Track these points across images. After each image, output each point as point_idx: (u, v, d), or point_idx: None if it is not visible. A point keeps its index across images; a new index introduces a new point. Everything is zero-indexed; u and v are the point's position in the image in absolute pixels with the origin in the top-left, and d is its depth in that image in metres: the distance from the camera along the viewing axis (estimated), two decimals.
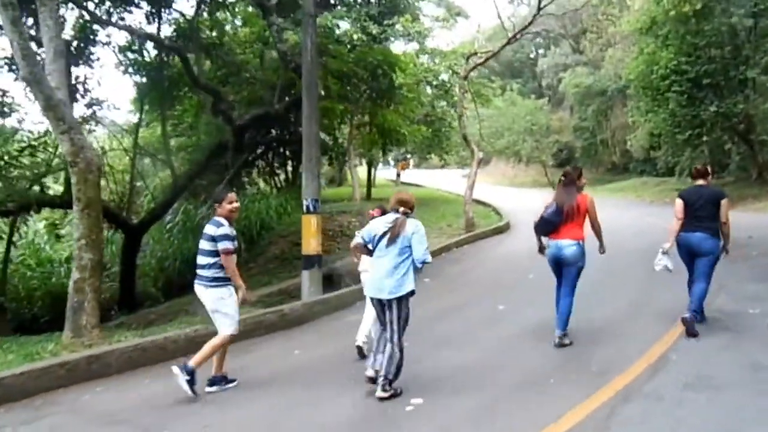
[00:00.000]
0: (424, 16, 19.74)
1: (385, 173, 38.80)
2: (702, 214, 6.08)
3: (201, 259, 5.03)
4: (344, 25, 16.12)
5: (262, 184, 22.43)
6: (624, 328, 6.58)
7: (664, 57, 22.25)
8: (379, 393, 4.69)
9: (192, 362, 4.92)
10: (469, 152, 17.58)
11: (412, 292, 4.83)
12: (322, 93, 13.02)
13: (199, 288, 5.07)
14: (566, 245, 5.81)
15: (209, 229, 5.00)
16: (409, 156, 35.91)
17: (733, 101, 20.97)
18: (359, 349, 5.82)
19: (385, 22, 17.39)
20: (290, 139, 16.70)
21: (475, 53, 17.34)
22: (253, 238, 15.56)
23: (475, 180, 16.58)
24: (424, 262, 4.80)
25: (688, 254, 6.27)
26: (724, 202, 6.11)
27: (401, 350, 4.77)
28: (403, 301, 4.80)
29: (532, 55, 43.79)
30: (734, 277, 8.41)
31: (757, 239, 11.71)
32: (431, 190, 29.29)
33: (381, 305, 4.88)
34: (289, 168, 21.57)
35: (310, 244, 8.61)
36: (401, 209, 4.92)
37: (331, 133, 20.83)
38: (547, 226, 5.93)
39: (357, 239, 5.13)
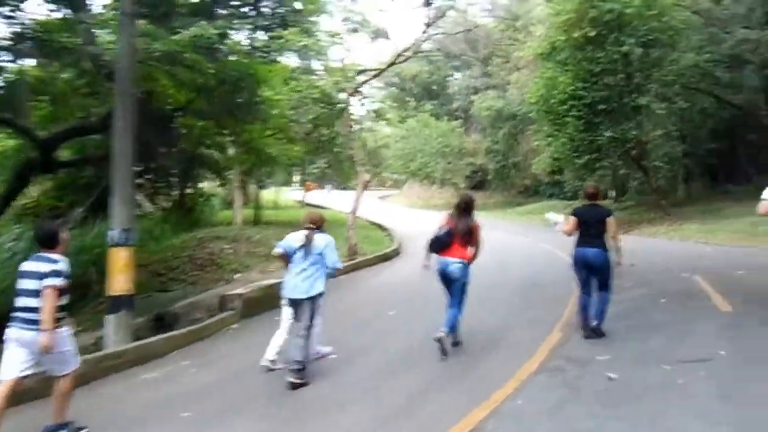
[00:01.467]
0: (320, 31, 18.85)
1: (297, 194, 37.44)
2: (593, 231, 6.65)
3: (26, 301, 4.64)
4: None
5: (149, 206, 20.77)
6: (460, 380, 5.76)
7: (562, 82, 22.33)
8: (292, 378, 5.62)
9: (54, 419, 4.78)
10: (361, 174, 16.71)
11: (321, 293, 6.01)
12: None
13: (22, 333, 4.60)
14: (452, 262, 6.41)
15: (38, 266, 4.67)
16: (308, 178, 34.74)
17: (627, 127, 21.17)
18: (270, 365, 6.18)
19: (269, 34, 16.41)
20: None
21: (364, 70, 16.60)
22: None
23: (358, 205, 15.68)
24: (335, 268, 6.07)
25: (585, 267, 6.75)
26: (610, 219, 6.71)
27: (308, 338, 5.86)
28: (315, 300, 5.94)
29: (449, 78, 43.80)
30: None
31: (639, 267, 11.29)
32: (333, 213, 28.41)
33: (295, 303, 5.94)
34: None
35: (118, 282, 7.34)
36: (312, 226, 6.04)
37: (222, 152, 19.56)
38: (439, 245, 6.51)
39: (278, 249, 6.14)
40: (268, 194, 37.49)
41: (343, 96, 16.14)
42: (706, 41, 22.54)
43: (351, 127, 16.95)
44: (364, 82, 16.77)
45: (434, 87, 46.32)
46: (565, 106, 21.89)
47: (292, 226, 17.86)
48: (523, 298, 9.93)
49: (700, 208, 22.34)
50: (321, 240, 5.99)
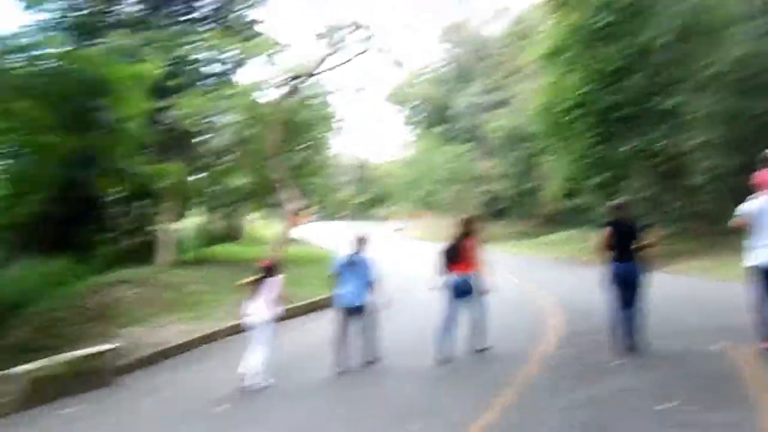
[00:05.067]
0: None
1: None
2: (629, 244, 6.59)
3: None
4: None
5: None
6: None
7: (569, 86, 18.24)
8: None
9: None
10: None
11: (369, 303, 7.06)
12: None
13: None
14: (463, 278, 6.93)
15: None
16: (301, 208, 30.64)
17: (653, 137, 16.84)
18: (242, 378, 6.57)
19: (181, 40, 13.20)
20: None
21: (297, 77, 12.93)
22: None
23: (285, 239, 11.85)
24: (372, 281, 7.05)
25: (624, 283, 6.58)
26: (644, 231, 6.75)
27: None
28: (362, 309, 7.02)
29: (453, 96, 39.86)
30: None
31: (656, 326, 6.95)
32: (316, 249, 24.86)
33: (348, 312, 7.00)
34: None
35: None
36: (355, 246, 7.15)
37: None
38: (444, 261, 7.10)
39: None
40: (262, 227, 34.31)
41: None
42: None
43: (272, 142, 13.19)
44: (291, 93, 13.06)
45: (446, 108, 42.45)
46: (572, 115, 17.74)
47: (231, 264, 14.71)
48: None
49: None
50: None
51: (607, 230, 6.70)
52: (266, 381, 6.65)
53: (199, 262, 17.17)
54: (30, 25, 13.31)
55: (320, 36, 13.23)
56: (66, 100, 8.74)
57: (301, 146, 17.25)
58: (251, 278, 6.94)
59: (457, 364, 6.83)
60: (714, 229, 18.71)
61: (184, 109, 12.36)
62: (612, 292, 6.69)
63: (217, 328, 9.98)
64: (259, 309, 6.77)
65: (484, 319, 7.11)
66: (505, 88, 31.67)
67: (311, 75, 13.98)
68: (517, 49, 26.65)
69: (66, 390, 7.01)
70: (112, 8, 15.32)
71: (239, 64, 14.35)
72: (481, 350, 7.12)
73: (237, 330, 9.68)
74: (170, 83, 13.01)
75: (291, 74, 13.12)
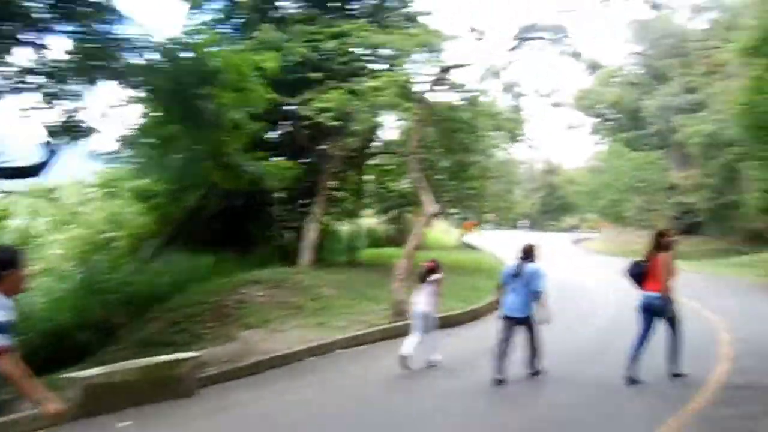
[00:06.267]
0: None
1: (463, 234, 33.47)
2: None
3: None
4: None
5: None
6: None
7: None
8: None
9: None
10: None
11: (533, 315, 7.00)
12: None
13: None
14: (653, 297, 6.58)
15: None
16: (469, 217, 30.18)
17: None
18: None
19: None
20: None
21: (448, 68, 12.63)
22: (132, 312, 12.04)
23: (416, 244, 11.60)
24: (537, 292, 6.94)
25: None
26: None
27: None
28: (526, 320, 7.00)
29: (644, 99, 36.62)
30: None
31: None
32: (484, 255, 24.48)
33: (510, 321, 6.99)
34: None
35: None
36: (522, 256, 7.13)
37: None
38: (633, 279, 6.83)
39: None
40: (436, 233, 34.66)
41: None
42: None
43: (416, 147, 12.96)
44: (440, 79, 12.76)
45: (638, 113, 39.39)
46: None
47: (380, 268, 14.71)
48: None
49: None
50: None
51: None
52: (435, 360, 7.89)
53: (351, 263, 17.55)
54: (194, 25, 13.95)
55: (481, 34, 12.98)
56: (179, 91, 8.38)
57: (461, 147, 16.81)
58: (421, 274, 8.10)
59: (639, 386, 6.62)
60: None
61: (325, 102, 12.35)
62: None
63: (330, 340, 9.55)
64: (423, 301, 7.85)
65: (678, 343, 6.70)
66: (704, 87, 28.40)
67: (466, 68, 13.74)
68: (720, 42, 23.75)
69: (136, 399, 6.38)
70: (271, 5, 15.81)
71: (396, 57, 14.04)
72: (678, 375, 6.70)
73: (355, 342, 9.70)
74: (313, 76, 13.25)
75: (445, 66, 12.85)
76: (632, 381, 6.57)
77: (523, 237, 36.19)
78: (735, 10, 23.51)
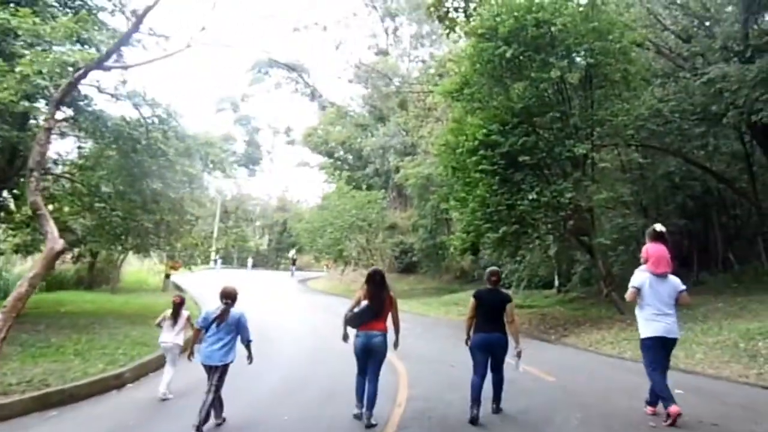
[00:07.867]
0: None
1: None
2: (495, 315, 6.72)
3: None
4: None
5: None
6: None
7: (471, 124, 16.21)
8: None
9: None
10: None
11: (231, 361, 6.43)
12: None
13: None
14: (375, 335, 6.57)
15: None
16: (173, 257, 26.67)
17: (561, 187, 14.85)
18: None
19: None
20: None
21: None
22: None
23: (25, 290, 8.37)
24: (249, 341, 6.59)
25: (487, 352, 6.70)
26: (509, 305, 6.76)
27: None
28: (224, 367, 6.36)
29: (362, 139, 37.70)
30: None
31: None
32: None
33: (210, 369, 6.32)
34: None
35: None
36: (226, 301, 6.48)
37: None
38: (359, 320, 6.65)
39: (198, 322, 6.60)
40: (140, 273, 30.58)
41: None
42: (673, 89, 17.05)
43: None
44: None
45: (361, 152, 40.24)
46: (475, 158, 15.59)
47: None
48: None
49: None
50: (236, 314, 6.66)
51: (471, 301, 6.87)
52: (168, 394, 7.72)
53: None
54: None
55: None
56: None
57: (141, 173, 13.89)
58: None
59: None
60: (622, 293, 16.86)
61: None
62: (475, 359, 6.78)
63: None
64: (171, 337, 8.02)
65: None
66: (417, 130, 29.73)
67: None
68: (432, 87, 24.77)
69: None
70: None
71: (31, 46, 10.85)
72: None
73: None
74: None
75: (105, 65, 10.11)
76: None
77: (237, 277, 33.89)
78: (444, 58, 24.76)
